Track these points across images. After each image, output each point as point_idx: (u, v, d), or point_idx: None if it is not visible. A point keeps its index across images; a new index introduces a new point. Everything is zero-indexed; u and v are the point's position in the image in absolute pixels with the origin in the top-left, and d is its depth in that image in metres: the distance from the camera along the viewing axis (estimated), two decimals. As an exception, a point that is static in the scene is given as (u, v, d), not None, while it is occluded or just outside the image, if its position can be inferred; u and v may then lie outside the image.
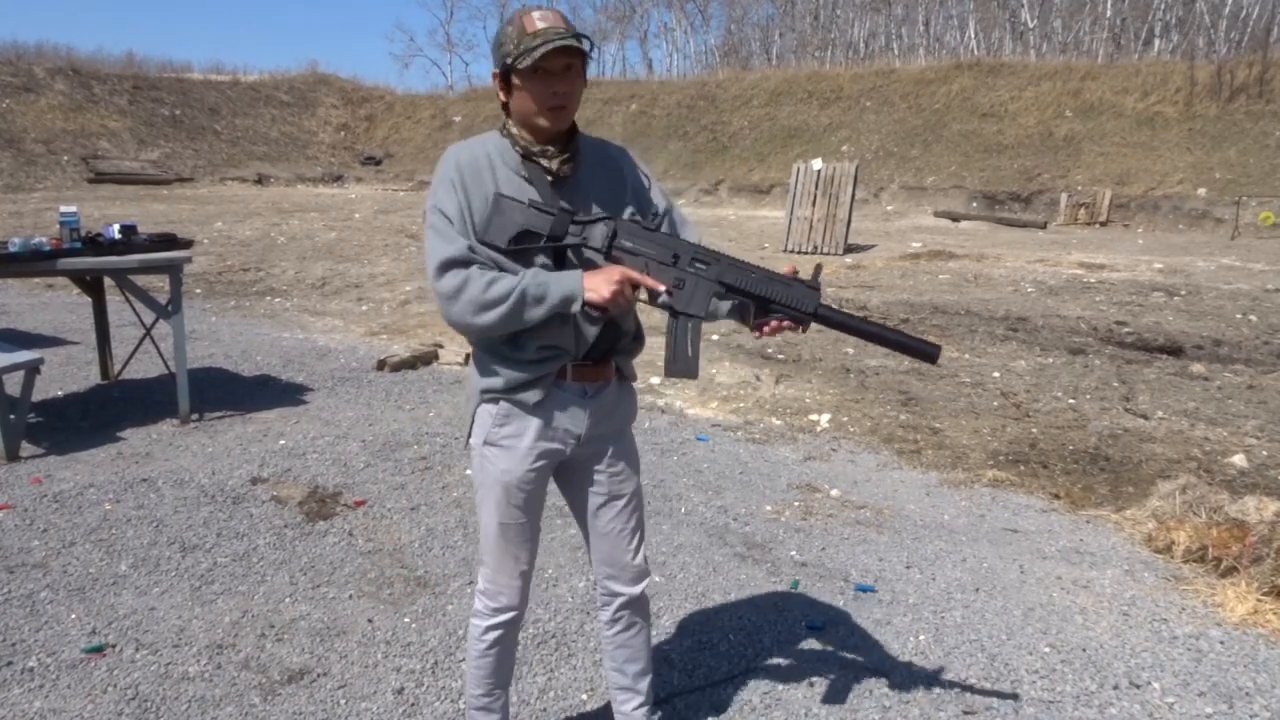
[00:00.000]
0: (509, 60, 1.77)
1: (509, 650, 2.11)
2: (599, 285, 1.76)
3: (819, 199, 15.14)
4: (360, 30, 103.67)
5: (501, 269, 1.81)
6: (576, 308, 1.78)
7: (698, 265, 1.85)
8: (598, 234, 1.82)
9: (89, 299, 5.72)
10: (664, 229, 1.96)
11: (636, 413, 2.11)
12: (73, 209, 4.63)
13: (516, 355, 1.87)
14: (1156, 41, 32.71)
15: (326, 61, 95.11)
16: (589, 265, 1.83)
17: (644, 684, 2.20)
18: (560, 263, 1.84)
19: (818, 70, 29.97)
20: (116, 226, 4.78)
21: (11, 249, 4.35)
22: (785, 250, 14.76)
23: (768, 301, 1.86)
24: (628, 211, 1.92)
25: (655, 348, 2.15)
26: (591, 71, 1.88)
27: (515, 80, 1.78)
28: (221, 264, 11.01)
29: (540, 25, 1.75)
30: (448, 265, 1.77)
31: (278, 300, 9.02)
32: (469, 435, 1.98)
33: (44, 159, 23.96)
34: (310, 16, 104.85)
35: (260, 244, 12.99)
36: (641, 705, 2.21)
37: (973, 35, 36.51)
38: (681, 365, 1.87)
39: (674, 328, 1.87)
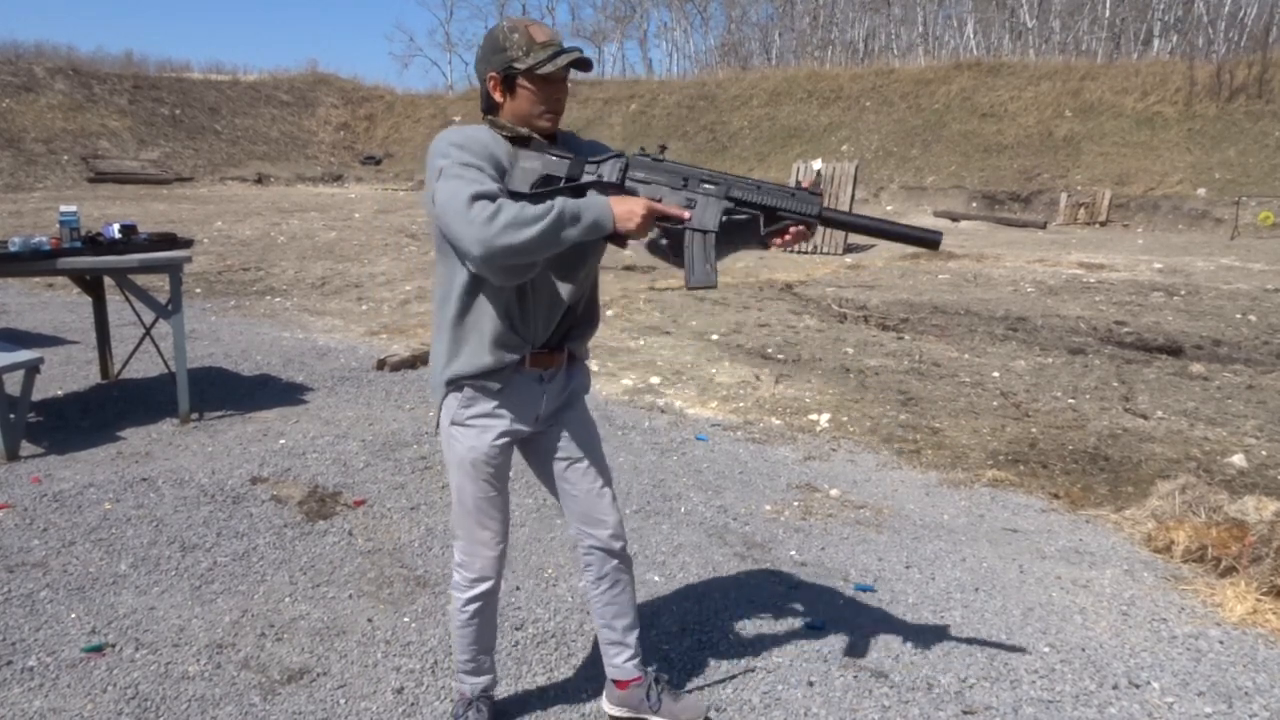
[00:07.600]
0: (517, 65, 1.89)
1: (490, 618, 2.27)
2: (625, 216, 1.87)
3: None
4: (360, 30, 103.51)
5: None
6: (606, 231, 1.87)
7: (706, 186, 1.98)
8: (611, 168, 1.96)
9: (89, 299, 5.72)
10: None
11: (589, 384, 2.28)
12: (73, 208, 4.63)
13: (479, 344, 1.99)
14: (1156, 41, 32.72)
15: (326, 61, 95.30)
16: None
17: (632, 637, 2.34)
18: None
19: (817, 70, 29.98)
20: (116, 226, 4.78)
21: (11, 248, 4.35)
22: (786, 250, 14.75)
23: (774, 210, 1.97)
24: None
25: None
26: (592, 71, 1.97)
27: (522, 84, 1.92)
28: (221, 263, 11.00)
29: (545, 36, 1.92)
30: (479, 196, 1.80)
31: (278, 300, 9.01)
32: (437, 424, 2.13)
33: (44, 158, 23.95)
34: (310, 16, 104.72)
35: (260, 243, 12.98)
36: (632, 657, 2.35)
37: (971, 35, 36.52)
38: (700, 277, 1.97)
39: (690, 244, 1.97)
